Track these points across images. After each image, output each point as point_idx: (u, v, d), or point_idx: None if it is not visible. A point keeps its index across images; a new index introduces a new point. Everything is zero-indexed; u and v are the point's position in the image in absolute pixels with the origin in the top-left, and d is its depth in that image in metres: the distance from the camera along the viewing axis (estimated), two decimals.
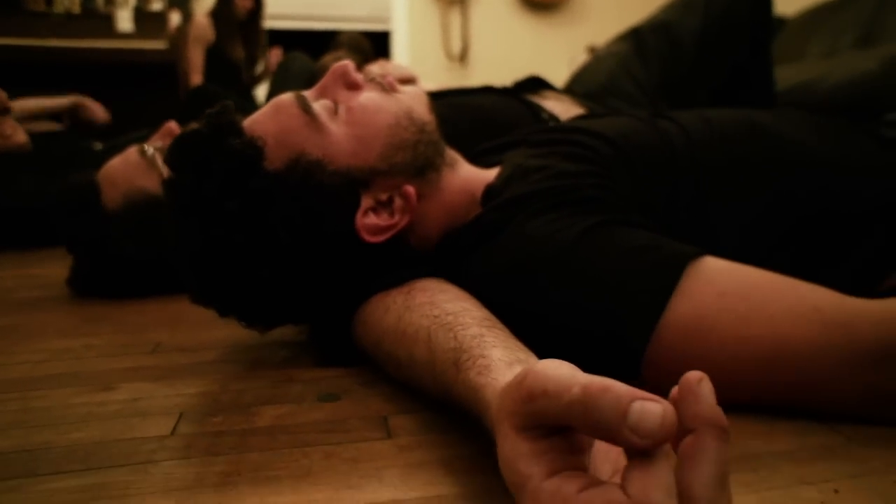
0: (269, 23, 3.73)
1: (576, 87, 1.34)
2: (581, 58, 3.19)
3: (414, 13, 4.13)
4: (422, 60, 4.03)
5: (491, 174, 0.76)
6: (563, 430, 0.33)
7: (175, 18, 3.34)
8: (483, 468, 0.48)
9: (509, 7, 4.23)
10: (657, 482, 0.28)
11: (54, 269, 1.28)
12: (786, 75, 1.29)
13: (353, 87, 0.71)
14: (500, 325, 0.56)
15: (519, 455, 0.34)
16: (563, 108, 1.11)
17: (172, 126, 1.21)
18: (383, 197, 0.69)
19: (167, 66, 3.16)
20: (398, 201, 0.70)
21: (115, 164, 1.14)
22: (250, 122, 0.68)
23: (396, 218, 0.69)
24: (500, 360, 0.46)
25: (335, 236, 0.67)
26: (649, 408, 0.28)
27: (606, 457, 0.35)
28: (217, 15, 3.01)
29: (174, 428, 0.58)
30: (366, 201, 0.68)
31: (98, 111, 2.27)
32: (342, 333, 0.71)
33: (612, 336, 0.57)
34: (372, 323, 0.66)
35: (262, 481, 0.48)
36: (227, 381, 0.69)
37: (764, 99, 1.17)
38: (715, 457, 0.29)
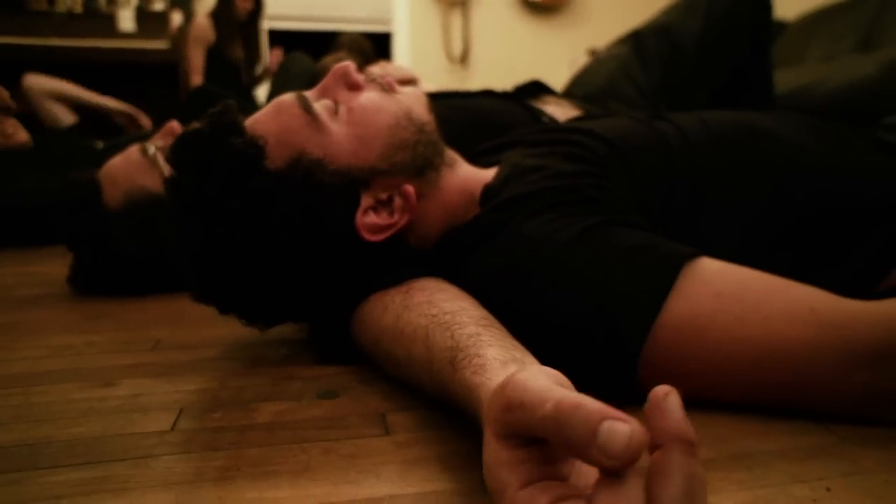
0: (270, 23, 3.75)
1: (576, 90, 1.35)
2: (581, 60, 3.20)
3: (415, 15, 4.13)
4: (423, 62, 4.03)
5: (489, 174, 0.76)
6: (541, 441, 0.34)
7: (177, 18, 3.35)
8: (479, 465, 0.47)
9: (510, 9, 4.24)
10: (625, 500, 0.28)
11: (55, 266, 1.29)
12: (785, 79, 1.30)
13: (354, 87, 0.72)
14: (497, 325, 0.56)
15: (499, 462, 0.35)
16: (563, 113, 1.12)
17: (174, 125, 1.22)
18: (383, 196, 0.70)
19: (169, 66, 3.18)
20: (398, 200, 0.70)
21: (117, 162, 1.14)
22: (252, 122, 0.69)
23: (396, 217, 0.70)
24: (496, 360, 0.47)
25: (335, 235, 0.68)
26: (618, 428, 0.28)
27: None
28: (217, 16, 3.02)
29: (174, 423, 0.59)
30: (366, 200, 0.69)
31: (147, 126, 2.34)
32: (341, 332, 0.71)
33: (608, 336, 0.57)
34: (370, 322, 0.67)
35: (261, 476, 0.49)
36: (226, 378, 0.70)
37: (763, 102, 1.17)
38: (682, 471, 0.28)
